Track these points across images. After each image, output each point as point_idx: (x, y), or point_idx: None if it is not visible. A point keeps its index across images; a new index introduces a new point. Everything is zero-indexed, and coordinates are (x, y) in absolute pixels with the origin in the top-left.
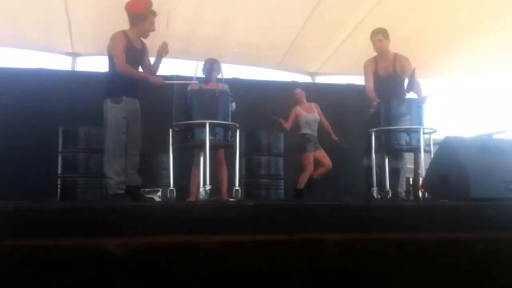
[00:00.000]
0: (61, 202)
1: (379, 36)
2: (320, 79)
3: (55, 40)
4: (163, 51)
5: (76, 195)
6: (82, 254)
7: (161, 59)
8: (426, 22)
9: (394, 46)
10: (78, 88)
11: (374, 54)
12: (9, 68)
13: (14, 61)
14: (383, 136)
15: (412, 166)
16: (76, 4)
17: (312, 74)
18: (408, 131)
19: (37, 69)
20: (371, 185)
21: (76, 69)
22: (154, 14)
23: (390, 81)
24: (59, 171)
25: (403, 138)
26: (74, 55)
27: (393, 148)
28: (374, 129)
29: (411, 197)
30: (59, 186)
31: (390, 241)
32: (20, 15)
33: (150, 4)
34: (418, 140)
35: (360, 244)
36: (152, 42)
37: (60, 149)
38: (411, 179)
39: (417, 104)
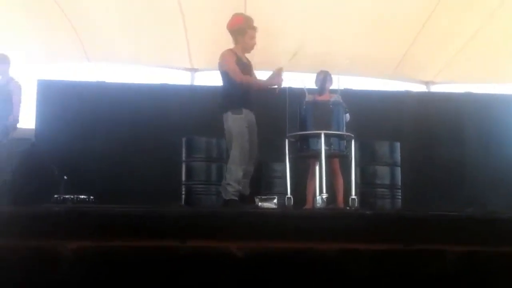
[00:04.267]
0: (187, 207)
1: None
2: (435, 88)
3: (175, 57)
4: (278, 81)
5: (198, 201)
6: (206, 255)
7: (267, 84)
8: None
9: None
10: (197, 101)
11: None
12: (134, 83)
13: (137, 77)
14: None
15: None
16: (193, 23)
17: (427, 83)
18: None
19: (160, 84)
20: None
21: (194, 84)
22: (253, 28)
23: None
24: (183, 178)
25: None
26: (193, 70)
27: None
28: None
29: None
30: (183, 193)
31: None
32: (142, 35)
33: (248, 18)
34: None
35: (480, 257)
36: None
37: (183, 158)
38: None
39: None
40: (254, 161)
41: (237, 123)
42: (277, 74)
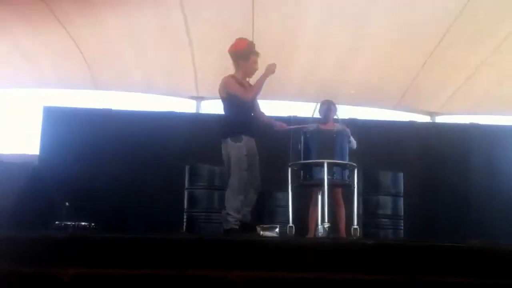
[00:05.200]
0: (187, 235)
1: None
2: (440, 119)
3: (182, 85)
4: (270, 70)
5: (200, 229)
6: (206, 285)
7: (265, 78)
8: None
9: None
10: (202, 129)
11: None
12: (139, 111)
13: (145, 105)
14: None
15: None
16: (201, 52)
17: (431, 114)
18: None
19: (165, 112)
20: None
21: (200, 112)
22: (256, 53)
23: None
24: (185, 206)
25: None
26: (199, 98)
27: None
28: None
29: None
30: (184, 220)
31: None
32: (151, 64)
33: (251, 43)
34: None
35: None
36: None
37: (186, 186)
38: None
39: None
40: (257, 189)
41: (236, 151)
42: (270, 68)
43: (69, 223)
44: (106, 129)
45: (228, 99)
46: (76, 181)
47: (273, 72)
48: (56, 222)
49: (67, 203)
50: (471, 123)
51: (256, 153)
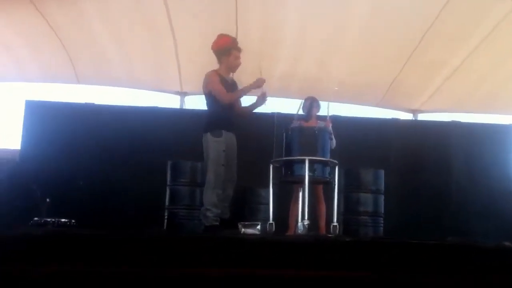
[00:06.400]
0: (167, 233)
1: None
2: (422, 117)
3: (166, 80)
4: (258, 84)
5: (181, 226)
6: (190, 282)
7: (250, 89)
8: None
9: (496, 87)
10: (185, 124)
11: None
12: (122, 106)
13: (128, 99)
14: None
15: None
16: (185, 46)
17: (414, 112)
18: None
19: (148, 107)
20: None
21: (184, 107)
22: (238, 49)
23: None
24: (167, 203)
25: None
26: (182, 94)
27: None
28: None
29: None
30: (166, 217)
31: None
32: (135, 59)
33: (233, 39)
34: None
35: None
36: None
37: (168, 182)
38: None
39: None
40: (233, 185)
41: (214, 146)
42: (258, 82)
43: (48, 219)
44: (89, 124)
45: (210, 95)
46: (58, 177)
47: (260, 87)
48: (35, 218)
49: (48, 200)
50: (452, 121)
51: (235, 149)
